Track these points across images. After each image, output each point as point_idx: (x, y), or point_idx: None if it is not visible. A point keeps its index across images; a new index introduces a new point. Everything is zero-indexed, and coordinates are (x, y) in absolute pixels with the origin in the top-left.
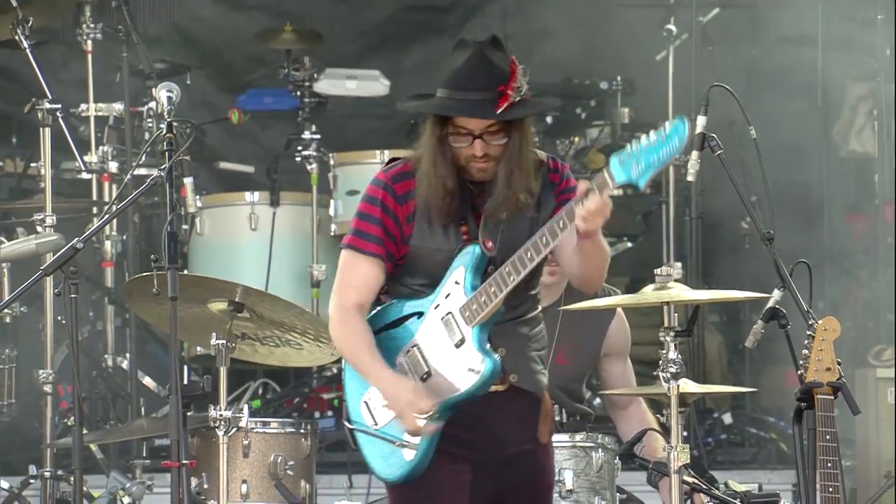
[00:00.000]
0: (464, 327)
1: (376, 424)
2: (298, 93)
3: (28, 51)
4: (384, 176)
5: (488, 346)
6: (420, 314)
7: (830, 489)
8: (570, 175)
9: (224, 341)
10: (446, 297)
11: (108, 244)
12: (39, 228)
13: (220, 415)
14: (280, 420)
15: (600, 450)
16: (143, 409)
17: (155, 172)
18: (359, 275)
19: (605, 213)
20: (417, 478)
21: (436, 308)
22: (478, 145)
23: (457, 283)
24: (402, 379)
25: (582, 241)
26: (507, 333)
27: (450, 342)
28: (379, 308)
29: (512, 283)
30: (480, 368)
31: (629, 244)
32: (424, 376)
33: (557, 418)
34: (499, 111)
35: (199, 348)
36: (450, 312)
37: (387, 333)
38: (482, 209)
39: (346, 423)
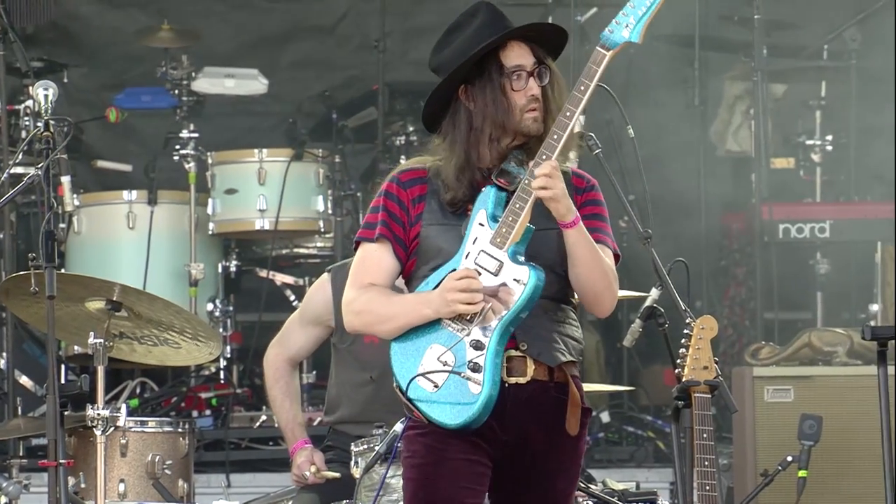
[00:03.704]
0: (498, 253)
1: (437, 387)
2: (176, 91)
3: None
4: (394, 171)
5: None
6: (453, 271)
7: (707, 487)
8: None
9: (102, 340)
10: (473, 242)
11: None
12: None
13: (98, 414)
14: (158, 419)
15: None
16: (20, 408)
17: (32, 171)
18: (369, 261)
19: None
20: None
21: (466, 257)
22: (533, 83)
23: (481, 224)
24: (437, 288)
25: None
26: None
27: (489, 275)
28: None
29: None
30: (524, 277)
31: None
32: (471, 317)
33: None
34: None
35: (76, 347)
36: (481, 251)
37: None
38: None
39: (403, 397)
